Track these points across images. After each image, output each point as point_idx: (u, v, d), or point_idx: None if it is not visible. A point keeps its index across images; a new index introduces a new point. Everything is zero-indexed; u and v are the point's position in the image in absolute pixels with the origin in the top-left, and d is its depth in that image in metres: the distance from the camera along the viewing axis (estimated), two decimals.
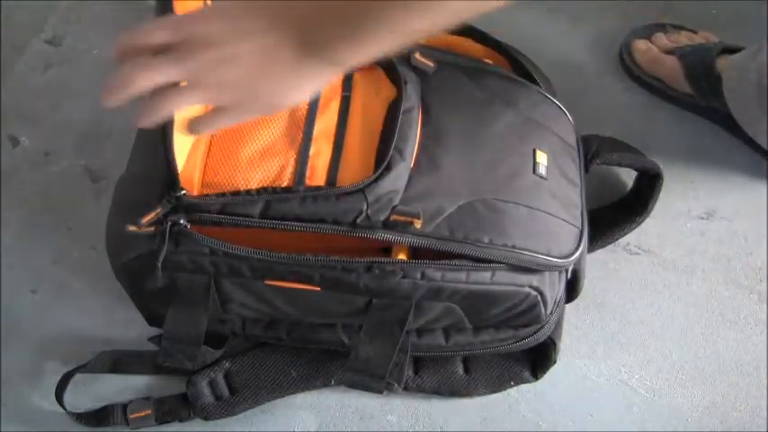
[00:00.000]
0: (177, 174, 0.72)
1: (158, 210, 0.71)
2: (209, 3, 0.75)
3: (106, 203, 0.84)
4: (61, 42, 1.24)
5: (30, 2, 1.28)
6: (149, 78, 0.58)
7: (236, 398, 0.94)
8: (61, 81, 1.20)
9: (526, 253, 0.77)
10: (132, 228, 0.72)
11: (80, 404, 0.95)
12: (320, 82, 0.61)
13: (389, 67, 0.84)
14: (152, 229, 0.72)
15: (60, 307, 1.02)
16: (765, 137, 1.07)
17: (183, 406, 0.94)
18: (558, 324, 0.94)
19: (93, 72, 1.20)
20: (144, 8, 1.26)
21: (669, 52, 1.15)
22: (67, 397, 0.93)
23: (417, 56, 0.85)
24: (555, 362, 0.94)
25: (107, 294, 1.01)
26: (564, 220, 0.82)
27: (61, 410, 0.93)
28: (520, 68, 0.94)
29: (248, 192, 0.74)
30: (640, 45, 1.18)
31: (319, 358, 0.95)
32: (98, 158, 1.13)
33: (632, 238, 1.06)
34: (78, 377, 0.94)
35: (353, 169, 0.76)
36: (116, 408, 0.94)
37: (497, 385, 0.96)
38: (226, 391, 0.95)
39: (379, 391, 0.84)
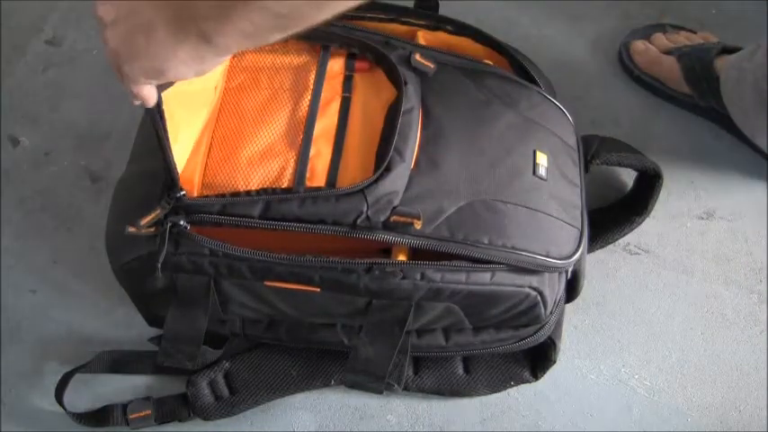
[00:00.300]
0: (177, 175, 0.72)
1: (158, 211, 0.71)
2: None
3: (106, 203, 0.84)
4: (61, 42, 1.24)
5: (30, 2, 1.28)
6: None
7: (236, 398, 0.94)
8: (61, 81, 1.20)
9: (526, 254, 0.77)
10: (132, 229, 0.72)
11: (80, 404, 0.95)
12: (201, 61, 0.61)
13: (389, 69, 0.84)
14: (152, 230, 0.73)
15: (60, 307, 1.02)
16: (764, 137, 1.07)
17: (182, 406, 0.94)
18: (558, 324, 0.94)
19: (93, 72, 1.20)
20: None
21: (668, 52, 1.15)
22: (67, 397, 0.93)
23: (417, 57, 0.85)
24: (555, 362, 0.95)
25: (107, 294, 1.01)
26: (564, 221, 0.82)
27: (61, 410, 0.93)
28: (520, 69, 0.94)
29: (248, 192, 0.74)
30: (639, 45, 1.18)
31: (319, 359, 0.95)
32: (98, 158, 1.13)
33: (632, 238, 1.06)
34: (78, 377, 0.94)
35: (353, 170, 0.77)
36: (116, 408, 0.94)
37: (497, 385, 0.96)
38: (226, 392, 0.95)
39: (379, 392, 0.84)
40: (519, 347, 0.91)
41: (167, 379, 0.97)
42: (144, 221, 0.71)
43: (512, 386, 0.96)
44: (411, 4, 0.95)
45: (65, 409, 0.92)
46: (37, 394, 0.97)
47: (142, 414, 0.93)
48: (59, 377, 0.94)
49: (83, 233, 1.07)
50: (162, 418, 0.94)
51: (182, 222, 0.72)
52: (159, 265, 0.74)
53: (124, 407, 0.94)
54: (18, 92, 1.19)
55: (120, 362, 0.96)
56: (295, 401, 0.96)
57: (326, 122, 0.80)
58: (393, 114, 0.79)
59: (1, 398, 0.97)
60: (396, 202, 0.74)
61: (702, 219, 1.09)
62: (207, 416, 0.93)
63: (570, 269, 0.86)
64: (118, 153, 1.09)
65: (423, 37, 0.92)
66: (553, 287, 0.84)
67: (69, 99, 1.18)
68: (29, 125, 1.16)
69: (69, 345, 0.99)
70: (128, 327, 0.99)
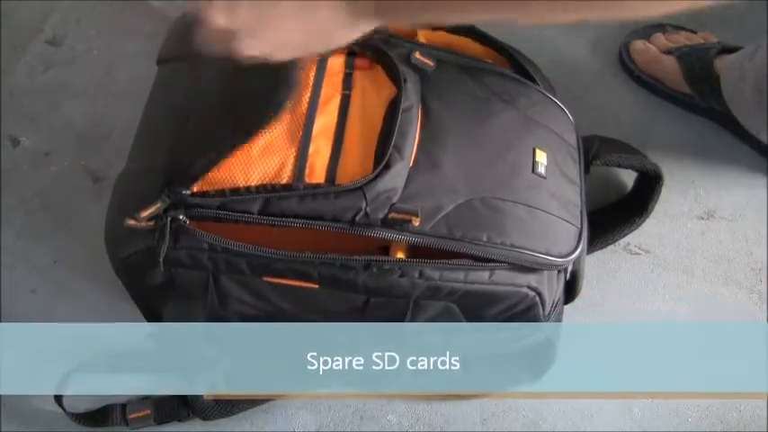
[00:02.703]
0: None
1: (158, 204, 0.72)
2: None
3: (106, 203, 0.84)
4: (61, 42, 1.24)
5: (30, 2, 1.28)
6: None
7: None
8: (61, 81, 1.20)
9: (524, 252, 0.77)
10: (131, 222, 0.72)
11: (79, 404, 0.95)
12: (354, 31, 0.61)
13: (389, 66, 0.84)
14: (151, 224, 0.73)
15: (60, 307, 1.02)
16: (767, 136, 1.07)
17: (182, 406, 0.94)
18: None
19: (93, 72, 1.21)
20: (144, 8, 1.26)
21: (668, 52, 1.15)
22: (66, 397, 0.93)
23: (417, 55, 0.85)
24: (553, 363, 0.94)
25: (107, 294, 1.01)
26: (563, 219, 0.82)
27: (61, 411, 0.92)
28: (519, 69, 0.94)
29: (248, 189, 0.74)
30: (639, 45, 1.18)
31: None
32: (98, 158, 1.13)
33: (632, 238, 1.06)
34: (78, 377, 0.94)
35: (352, 167, 0.76)
36: (115, 408, 0.94)
37: (497, 385, 0.96)
38: None
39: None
40: (518, 348, 0.91)
41: None
42: (144, 214, 0.71)
43: (511, 386, 0.96)
44: None
45: (64, 410, 0.92)
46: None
47: (141, 414, 0.93)
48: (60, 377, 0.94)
49: (83, 233, 1.07)
50: (161, 418, 0.94)
51: (181, 217, 0.73)
52: (161, 260, 0.74)
53: (123, 407, 0.94)
54: (18, 92, 1.20)
55: None
56: (295, 401, 0.96)
57: (326, 119, 0.80)
58: (392, 112, 0.79)
59: (1, 398, 0.97)
60: (394, 200, 0.74)
61: (702, 219, 1.09)
62: (206, 416, 0.93)
63: (570, 269, 0.86)
64: (118, 153, 1.08)
65: (423, 36, 0.92)
66: (552, 288, 0.83)
67: (69, 99, 1.18)
68: (29, 125, 1.16)
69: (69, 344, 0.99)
70: None
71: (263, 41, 0.62)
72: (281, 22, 0.60)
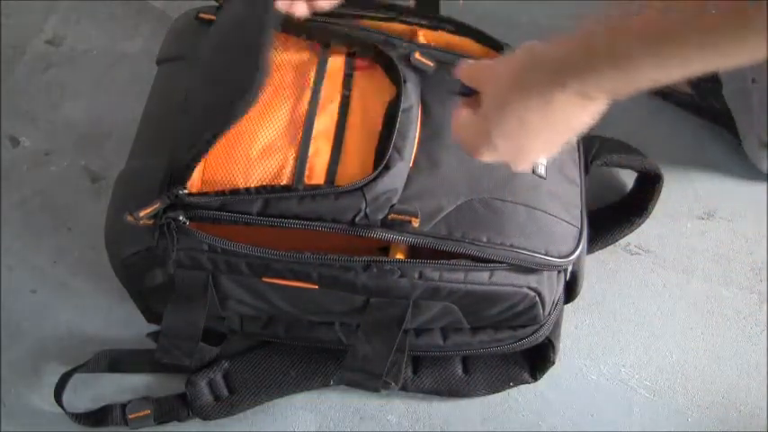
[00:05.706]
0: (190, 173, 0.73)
1: (158, 204, 0.72)
2: None
3: (106, 203, 0.84)
4: (61, 42, 1.24)
5: (30, 2, 1.28)
6: None
7: (235, 398, 0.94)
8: (61, 81, 1.20)
9: (524, 252, 0.77)
10: (130, 218, 0.72)
11: (79, 404, 0.95)
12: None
13: (389, 67, 0.83)
14: (150, 222, 0.73)
15: (60, 307, 1.03)
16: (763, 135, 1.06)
17: (182, 406, 0.94)
18: (557, 325, 0.93)
19: (93, 72, 1.21)
20: (144, 8, 1.26)
21: None
22: (67, 397, 0.93)
23: (417, 55, 0.85)
24: (553, 363, 0.94)
25: (107, 294, 1.01)
26: (563, 220, 0.82)
27: (61, 411, 0.92)
28: None
29: (247, 190, 0.74)
30: None
31: (318, 358, 0.95)
32: (98, 158, 1.13)
33: (632, 238, 1.06)
34: (78, 377, 0.94)
35: (352, 168, 0.76)
36: (115, 408, 0.94)
37: (496, 386, 0.96)
38: (225, 391, 0.95)
39: (376, 390, 0.84)
40: (517, 348, 0.91)
41: (166, 379, 0.96)
42: (143, 213, 0.71)
43: (511, 387, 0.96)
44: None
45: (64, 410, 0.92)
46: (37, 394, 0.97)
47: (141, 414, 0.93)
48: (59, 377, 0.94)
49: (83, 233, 1.07)
50: (161, 418, 0.94)
51: (181, 218, 0.72)
52: (172, 261, 0.74)
53: (123, 407, 0.94)
54: (18, 92, 1.20)
55: (118, 361, 0.96)
56: (295, 401, 0.96)
57: (326, 120, 0.80)
58: (392, 113, 0.79)
59: (1, 398, 0.97)
60: (394, 200, 0.74)
61: (702, 219, 1.09)
62: (206, 416, 0.93)
63: (569, 269, 0.86)
64: (118, 153, 1.08)
65: (423, 36, 0.92)
66: (552, 288, 0.83)
67: (69, 99, 1.18)
68: (29, 125, 1.16)
69: (69, 345, 0.99)
70: (127, 326, 0.99)
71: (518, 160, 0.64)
72: (534, 146, 0.62)
